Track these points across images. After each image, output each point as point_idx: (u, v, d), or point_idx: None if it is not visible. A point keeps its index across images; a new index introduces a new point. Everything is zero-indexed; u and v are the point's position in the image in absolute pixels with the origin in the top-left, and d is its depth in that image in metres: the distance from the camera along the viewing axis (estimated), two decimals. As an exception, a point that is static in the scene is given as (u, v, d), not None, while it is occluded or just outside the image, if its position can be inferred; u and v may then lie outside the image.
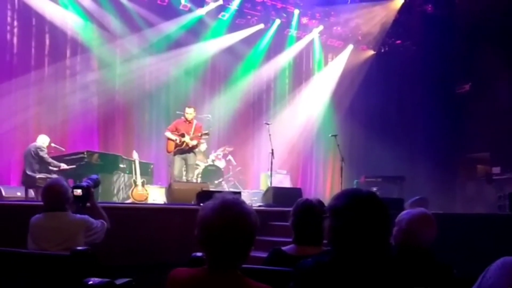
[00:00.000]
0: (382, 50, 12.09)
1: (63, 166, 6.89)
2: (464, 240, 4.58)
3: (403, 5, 11.10)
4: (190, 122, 7.71)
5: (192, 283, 1.55)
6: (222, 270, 1.52)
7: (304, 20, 11.30)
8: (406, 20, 11.41)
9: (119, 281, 2.50)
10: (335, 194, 1.66)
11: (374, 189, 9.10)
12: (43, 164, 6.79)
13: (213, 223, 1.50)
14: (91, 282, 1.95)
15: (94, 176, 3.43)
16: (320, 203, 2.43)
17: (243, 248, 1.52)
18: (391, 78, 11.71)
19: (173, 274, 1.60)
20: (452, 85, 11.20)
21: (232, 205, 1.53)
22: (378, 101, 11.47)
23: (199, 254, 2.03)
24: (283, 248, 2.40)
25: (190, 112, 7.72)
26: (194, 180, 7.85)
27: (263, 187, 9.41)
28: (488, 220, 5.74)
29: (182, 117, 7.79)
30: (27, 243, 2.95)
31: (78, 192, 3.15)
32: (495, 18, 9.75)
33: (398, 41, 11.90)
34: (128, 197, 7.47)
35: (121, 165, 7.60)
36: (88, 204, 3.21)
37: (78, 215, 3.02)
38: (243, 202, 1.59)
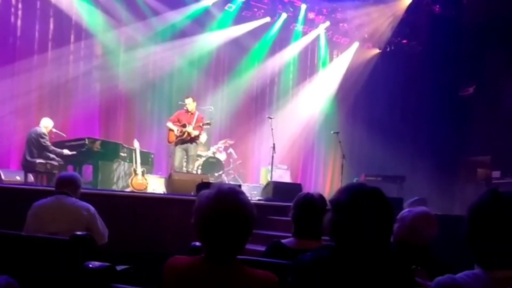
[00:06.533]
0: (388, 49, 12.03)
1: (66, 151, 6.85)
2: (462, 242, 4.57)
3: (410, 5, 11.03)
4: (192, 113, 7.68)
5: (189, 271, 1.54)
6: (218, 258, 1.51)
7: (311, 15, 11.25)
8: (413, 20, 11.35)
9: (118, 268, 2.50)
10: (339, 188, 1.64)
11: (374, 187, 9.10)
12: (43, 150, 6.75)
13: (207, 212, 1.49)
14: (91, 266, 1.94)
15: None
16: (321, 197, 2.43)
17: (237, 238, 1.50)
18: (396, 78, 11.65)
19: (170, 262, 1.60)
20: (456, 87, 11.15)
21: (227, 195, 1.51)
22: (382, 100, 11.44)
23: (198, 243, 2.02)
24: (283, 241, 2.39)
25: (189, 103, 7.66)
26: (195, 172, 7.84)
27: (263, 181, 9.40)
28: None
29: (185, 108, 7.77)
30: (24, 228, 2.96)
31: None
32: (503, 20, 9.68)
33: (404, 41, 11.84)
34: (128, 186, 7.46)
35: (122, 154, 7.58)
36: None
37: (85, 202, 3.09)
38: (240, 192, 1.56)
